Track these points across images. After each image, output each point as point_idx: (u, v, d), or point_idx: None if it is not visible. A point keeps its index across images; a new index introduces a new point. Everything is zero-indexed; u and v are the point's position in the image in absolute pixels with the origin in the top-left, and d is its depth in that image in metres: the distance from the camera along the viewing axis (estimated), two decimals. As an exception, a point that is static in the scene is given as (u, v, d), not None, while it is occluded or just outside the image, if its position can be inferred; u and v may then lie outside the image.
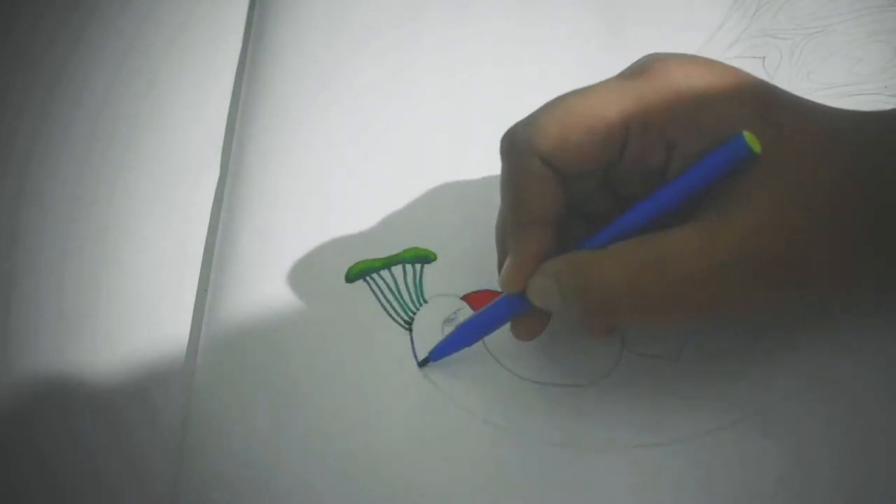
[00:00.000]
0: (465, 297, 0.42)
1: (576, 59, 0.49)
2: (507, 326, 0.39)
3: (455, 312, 0.41)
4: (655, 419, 0.38)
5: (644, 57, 0.37)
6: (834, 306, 0.39)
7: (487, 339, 0.40)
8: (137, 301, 0.43)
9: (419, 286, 0.42)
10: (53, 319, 0.43)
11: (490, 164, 0.44)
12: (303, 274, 0.43)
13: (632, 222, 0.36)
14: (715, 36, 0.49)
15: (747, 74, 0.36)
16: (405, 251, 0.43)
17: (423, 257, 0.43)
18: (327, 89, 0.48)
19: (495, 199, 0.43)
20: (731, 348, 0.39)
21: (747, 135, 0.34)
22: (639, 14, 0.50)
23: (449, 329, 0.41)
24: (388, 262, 0.43)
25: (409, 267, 0.43)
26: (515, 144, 0.37)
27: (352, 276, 0.43)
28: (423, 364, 0.40)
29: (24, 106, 0.49)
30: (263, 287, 0.42)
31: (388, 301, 0.42)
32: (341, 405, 0.39)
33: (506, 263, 0.37)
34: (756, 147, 0.34)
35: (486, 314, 0.39)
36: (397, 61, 0.49)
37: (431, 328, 0.41)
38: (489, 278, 0.41)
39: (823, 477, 0.36)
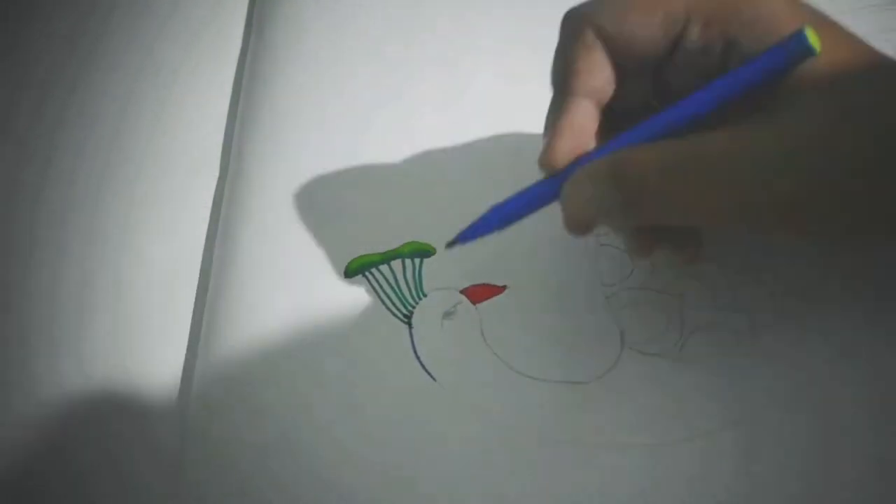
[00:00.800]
0: (464, 291, 0.42)
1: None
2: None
3: (454, 306, 0.41)
4: (655, 417, 0.38)
5: None
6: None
7: (488, 336, 0.40)
8: (138, 301, 0.43)
9: (418, 280, 0.42)
10: (54, 320, 0.43)
11: (489, 159, 0.45)
12: (302, 269, 0.43)
13: (681, 114, 0.34)
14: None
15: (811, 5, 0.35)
16: (404, 245, 0.43)
17: (422, 251, 0.43)
18: (326, 87, 0.49)
19: (495, 194, 0.43)
20: (731, 348, 0.39)
21: (809, 31, 0.33)
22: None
23: (448, 323, 0.41)
24: (387, 257, 0.43)
25: (408, 261, 0.43)
26: (574, 14, 0.36)
27: (351, 271, 0.43)
28: (450, 245, 0.38)
29: (24, 107, 0.49)
30: (263, 284, 0.43)
31: (388, 295, 0.42)
32: (340, 399, 0.39)
33: (545, 139, 0.36)
34: (816, 44, 0.33)
35: (522, 196, 0.37)
36: (396, 58, 0.49)
37: (431, 322, 0.41)
38: (488, 272, 0.42)
39: (821, 480, 0.36)
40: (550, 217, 0.41)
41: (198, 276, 0.44)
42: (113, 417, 0.40)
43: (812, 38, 0.33)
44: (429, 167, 0.45)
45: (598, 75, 0.36)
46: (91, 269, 0.44)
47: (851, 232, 0.35)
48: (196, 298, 0.43)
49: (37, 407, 0.41)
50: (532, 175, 0.43)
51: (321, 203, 0.45)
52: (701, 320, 0.40)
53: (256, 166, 0.46)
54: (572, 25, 0.36)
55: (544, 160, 0.36)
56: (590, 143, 0.36)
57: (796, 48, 0.33)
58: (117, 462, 0.39)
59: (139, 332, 0.42)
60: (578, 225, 0.36)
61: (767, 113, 0.33)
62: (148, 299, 0.43)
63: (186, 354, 0.42)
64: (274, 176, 0.46)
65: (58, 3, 0.53)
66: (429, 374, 0.40)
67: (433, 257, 0.43)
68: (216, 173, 0.47)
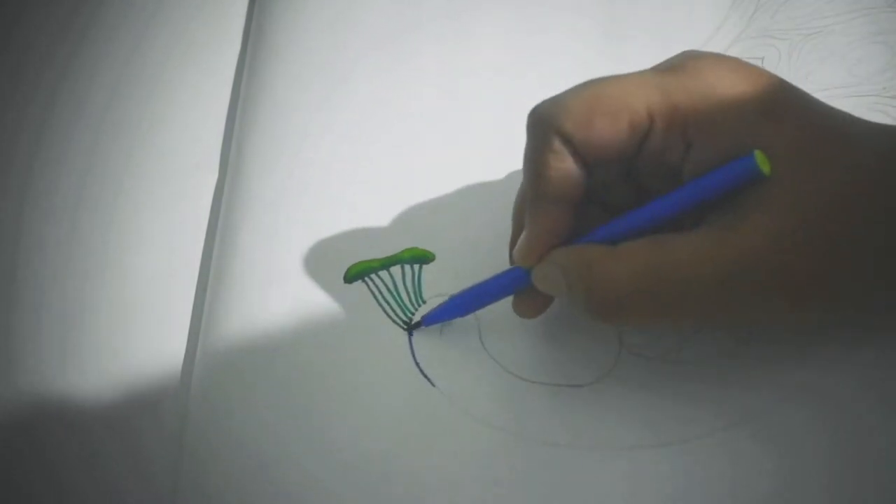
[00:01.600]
0: (463, 297, 0.42)
1: (575, 59, 0.49)
2: (497, 308, 0.40)
3: (454, 312, 0.41)
4: (654, 420, 0.38)
5: (681, 53, 0.37)
6: (836, 323, 0.39)
7: (486, 339, 0.40)
8: (137, 301, 0.43)
9: (418, 286, 0.42)
10: (55, 321, 0.43)
11: (489, 165, 0.45)
12: (301, 274, 0.43)
13: (643, 219, 0.36)
14: (714, 37, 0.49)
15: (772, 78, 0.36)
16: (404, 251, 0.43)
17: (422, 258, 0.43)
18: (326, 90, 0.48)
19: (494, 201, 0.43)
20: (730, 350, 0.39)
21: (758, 154, 0.34)
22: (637, 15, 0.50)
23: (448, 329, 0.41)
24: (387, 263, 0.43)
25: (407, 267, 0.43)
26: (539, 120, 0.37)
27: (350, 276, 0.43)
28: (413, 327, 0.41)
29: (26, 108, 0.49)
30: (262, 287, 0.42)
31: (387, 301, 0.42)
32: (339, 406, 0.39)
33: (521, 237, 0.38)
34: (765, 168, 0.34)
35: (488, 284, 0.39)
36: (396, 62, 0.49)
37: (430, 328, 0.41)
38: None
39: (820, 480, 0.36)
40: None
41: (196, 279, 0.44)
42: (114, 411, 0.40)
43: (762, 162, 0.34)
44: (429, 172, 0.45)
45: (570, 180, 0.36)
46: (92, 268, 0.44)
47: (831, 314, 0.38)
48: (195, 302, 0.43)
49: (40, 397, 0.41)
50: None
51: (321, 207, 0.45)
52: (699, 325, 0.40)
53: (256, 167, 0.46)
54: (539, 130, 0.37)
55: (520, 258, 0.38)
56: (563, 238, 0.37)
57: (746, 174, 0.34)
58: (120, 452, 0.39)
59: (138, 334, 0.42)
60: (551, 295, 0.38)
61: (727, 219, 0.34)
62: (147, 300, 0.43)
63: (185, 356, 0.42)
64: (274, 178, 0.46)
65: (59, 4, 0.52)
66: (428, 379, 0.40)
67: (433, 263, 0.43)
68: (216, 173, 0.47)
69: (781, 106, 0.35)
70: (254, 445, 0.39)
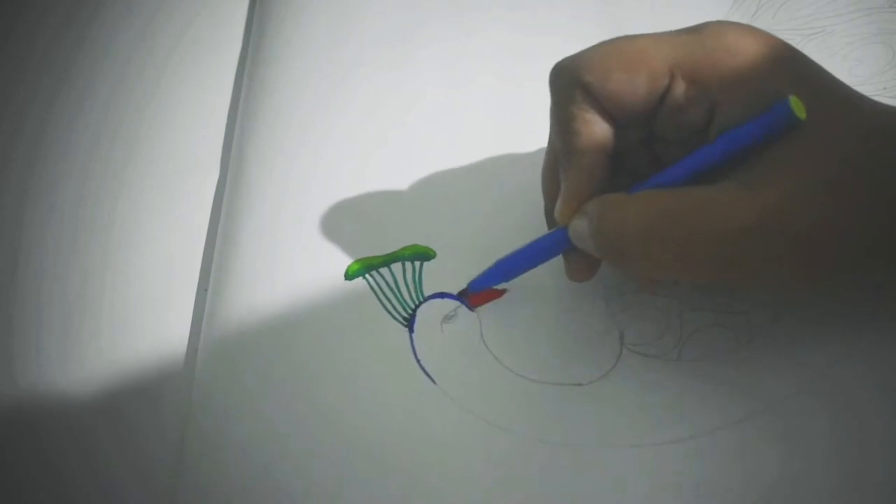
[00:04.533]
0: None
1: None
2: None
3: (454, 310, 0.41)
4: (655, 418, 0.38)
5: (699, 23, 0.37)
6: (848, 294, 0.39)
7: (487, 337, 0.40)
8: (138, 301, 0.43)
9: (418, 283, 0.42)
10: (56, 320, 0.43)
11: (489, 163, 0.45)
12: (302, 271, 0.43)
13: (674, 176, 0.36)
14: (714, 37, 0.49)
15: (787, 45, 0.36)
16: (404, 248, 0.43)
17: (423, 255, 0.43)
18: (327, 88, 0.49)
19: (494, 198, 0.43)
20: (730, 348, 0.39)
21: (793, 100, 0.33)
22: (638, 16, 0.50)
23: (448, 326, 0.41)
24: (388, 260, 0.43)
25: (408, 264, 0.43)
26: (560, 74, 0.37)
27: (351, 273, 0.43)
28: (461, 294, 0.41)
29: (27, 107, 0.50)
30: (263, 285, 0.43)
31: (388, 298, 0.42)
32: (341, 402, 0.39)
33: (560, 194, 0.37)
34: (801, 113, 0.33)
35: (532, 247, 0.39)
36: (397, 61, 0.49)
37: (431, 325, 0.41)
38: (488, 275, 0.42)
39: (822, 477, 0.36)
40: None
41: (198, 277, 0.44)
42: (115, 409, 0.41)
43: (797, 107, 0.33)
44: (430, 170, 0.45)
45: (597, 130, 0.36)
46: (93, 266, 0.44)
47: (845, 283, 0.37)
48: (196, 300, 0.43)
49: (40, 395, 0.41)
50: (532, 177, 0.43)
51: (322, 205, 0.45)
52: (700, 321, 0.40)
53: (257, 167, 0.46)
54: (562, 84, 0.37)
55: (559, 214, 0.37)
56: (598, 192, 0.37)
57: (782, 119, 0.34)
58: (124, 439, 0.40)
59: (139, 335, 0.42)
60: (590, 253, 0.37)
61: (750, 174, 0.34)
62: (148, 298, 0.43)
63: (186, 353, 0.42)
64: (274, 176, 0.46)
65: (61, 5, 0.53)
66: (429, 376, 0.40)
67: (433, 260, 0.43)
68: (216, 173, 0.47)
69: (798, 70, 0.35)
70: (254, 444, 0.39)
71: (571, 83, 0.36)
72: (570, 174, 0.37)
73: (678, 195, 0.35)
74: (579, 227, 0.36)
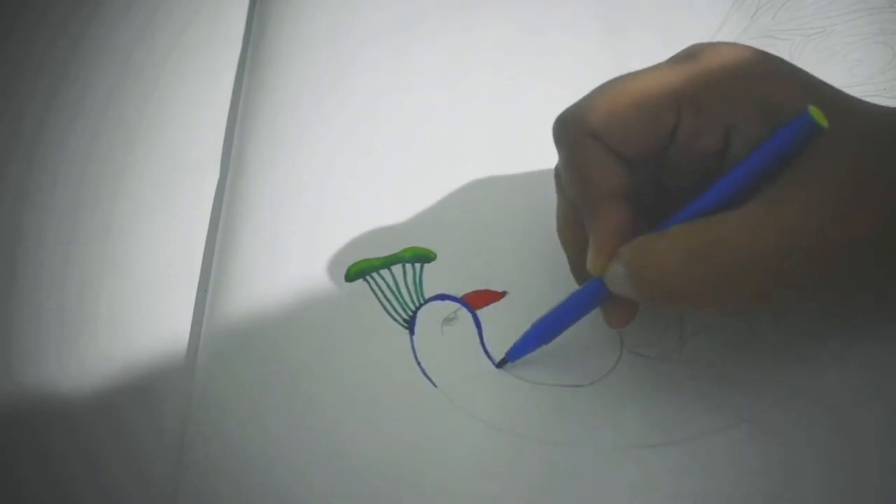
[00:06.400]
0: (464, 297, 0.42)
1: (576, 60, 0.49)
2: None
3: (455, 312, 0.41)
4: (654, 420, 0.38)
5: (690, 46, 0.37)
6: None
7: (488, 342, 0.40)
8: (138, 301, 0.43)
9: (419, 285, 0.42)
10: (55, 320, 0.43)
11: (490, 164, 0.45)
12: (303, 273, 0.43)
13: (705, 205, 0.35)
14: (715, 37, 0.49)
15: (778, 58, 0.36)
16: (405, 250, 0.43)
17: (423, 257, 0.43)
18: (327, 89, 0.49)
19: (495, 199, 0.43)
20: (730, 349, 0.39)
21: (812, 109, 0.33)
22: (638, 16, 0.50)
23: (449, 329, 0.41)
24: (388, 262, 0.43)
25: (408, 266, 0.43)
26: (567, 125, 0.37)
27: (351, 275, 0.43)
28: (500, 365, 0.40)
29: (26, 107, 0.49)
30: (263, 286, 0.43)
31: (388, 300, 0.42)
32: (341, 404, 0.39)
33: (590, 246, 0.37)
34: (822, 121, 0.33)
35: (568, 303, 0.38)
36: (397, 61, 0.49)
37: (431, 327, 0.41)
38: (489, 278, 0.42)
39: (821, 479, 0.36)
40: (550, 221, 0.41)
41: (197, 277, 0.44)
42: (114, 409, 0.41)
43: (817, 116, 0.33)
44: (430, 171, 0.45)
45: (615, 176, 0.36)
46: (93, 266, 0.44)
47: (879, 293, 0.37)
48: (196, 300, 0.43)
49: (39, 395, 0.41)
50: (532, 177, 0.43)
51: (322, 205, 0.45)
52: (700, 322, 0.40)
53: (257, 167, 0.46)
54: (569, 135, 0.36)
55: (592, 266, 0.37)
56: (628, 236, 0.36)
57: (805, 130, 0.33)
58: (124, 439, 0.40)
59: (139, 335, 0.42)
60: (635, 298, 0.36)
61: (773, 192, 0.34)
62: (148, 299, 0.43)
63: (186, 355, 0.42)
64: (274, 177, 0.46)
65: (60, 5, 0.52)
66: (429, 379, 0.40)
67: (434, 262, 0.43)
68: (216, 173, 0.47)
69: (799, 81, 0.35)
70: (254, 445, 0.39)
71: (580, 133, 0.36)
72: (597, 224, 0.36)
73: (708, 227, 0.34)
74: (616, 274, 0.36)
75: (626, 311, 0.38)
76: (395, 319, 0.41)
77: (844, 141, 0.34)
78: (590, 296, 0.38)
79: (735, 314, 0.40)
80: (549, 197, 0.40)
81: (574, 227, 0.38)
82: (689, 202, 0.35)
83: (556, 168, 0.39)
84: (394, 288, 0.42)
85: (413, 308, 0.42)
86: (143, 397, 0.41)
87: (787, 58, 0.37)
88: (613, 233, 0.36)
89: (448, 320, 0.41)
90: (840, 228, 0.33)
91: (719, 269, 0.34)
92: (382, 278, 0.42)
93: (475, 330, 0.41)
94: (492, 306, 0.41)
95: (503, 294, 0.41)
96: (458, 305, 0.41)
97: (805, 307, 0.39)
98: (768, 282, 0.34)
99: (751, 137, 0.35)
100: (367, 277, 0.42)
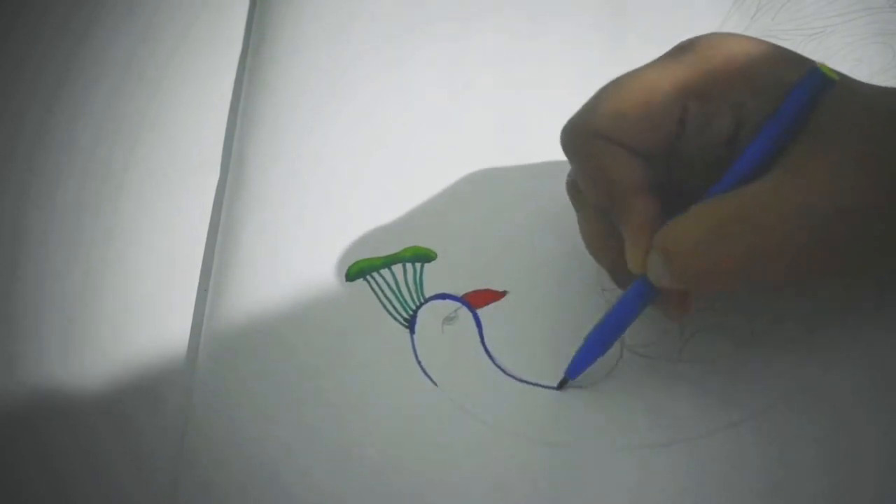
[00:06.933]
0: (464, 296, 0.42)
1: (576, 61, 0.49)
2: None
3: (455, 311, 0.41)
4: (655, 420, 0.38)
5: (681, 41, 0.37)
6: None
7: (487, 339, 0.40)
8: (138, 301, 0.43)
9: (419, 285, 0.42)
10: (57, 319, 0.43)
11: (490, 164, 0.45)
12: (303, 273, 0.43)
13: (731, 180, 0.35)
14: (714, 37, 0.49)
15: (772, 43, 0.36)
16: (405, 250, 0.43)
17: (424, 256, 0.43)
18: (327, 90, 0.48)
19: (495, 199, 0.43)
20: (730, 350, 0.39)
21: (821, 64, 0.33)
22: (639, 15, 0.50)
23: (449, 328, 0.41)
24: (389, 261, 0.43)
25: (409, 266, 0.43)
26: (575, 132, 0.37)
27: (352, 274, 0.43)
28: (561, 386, 0.39)
29: (27, 107, 0.49)
30: (264, 286, 0.43)
31: (389, 300, 0.42)
32: (341, 403, 0.39)
33: (626, 246, 0.36)
34: (832, 74, 0.33)
35: (619, 308, 0.38)
36: (397, 61, 0.49)
37: (431, 326, 0.41)
38: (489, 277, 0.42)
39: (821, 479, 0.36)
40: (551, 221, 0.41)
41: (198, 277, 0.44)
42: (116, 408, 0.41)
43: (827, 70, 0.33)
44: (431, 171, 0.45)
45: (634, 170, 0.36)
46: (94, 266, 0.44)
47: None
48: (196, 300, 0.43)
49: (41, 393, 0.41)
50: (532, 176, 0.43)
51: (322, 205, 0.45)
52: (700, 323, 0.40)
53: (257, 167, 0.46)
54: (580, 141, 0.36)
55: (633, 265, 0.36)
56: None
57: (815, 83, 0.34)
58: (125, 438, 0.40)
59: (139, 335, 0.42)
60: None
61: (793, 157, 0.34)
62: (149, 299, 0.43)
63: (187, 354, 0.42)
64: (274, 178, 0.46)
65: (60, 5, 0.53)
66: (429, 378, 0.40)
67: (434, 262, 0.43)
68: (216, 174, 0.47)
69: (801, 57, 0.36)
70: (255, 444, 0.39)
71: (589, 136, 0.36)
72: (629, 221, 0.36)
73: (733, 199, 0.34)
74: (655, 265, 0.36)
75: (680, 302, 0.37)
76: (396, 319, 0.41)
77: (849, 112, 0.34)
78: (638, 296, 0.37)
79: (764, 289, 0.39)
80: (549, 196, 0.40)
81: (603, 237, 0.38)
82: (710, 187, 0.35)
83: (569, 182, 0.39)
84: (394, 287, 0.42)
85: (413, 307, 0.42)
86: (145, 395, 0.41)
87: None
88: (647, 225, 0.36)
89: (448, 319, 0.41)
90: (867, 190, 0.33)
91: (748, 239, 0.33)
92: (383, 278, 0.42)
93: (475, 329, 0.41)
94: (492, 305, 0.41)
95: (503, 293, 0.41)
96: (458, 305, 0.41)
97: (829, 278, 0.38)
98: (798, 246, 0.34)
99: (761, 113, 0.35)
100: (368, 277, 0.42)
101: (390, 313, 0.41)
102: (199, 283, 0.44)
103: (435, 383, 0.40)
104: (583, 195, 0.38)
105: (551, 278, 0.41)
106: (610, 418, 0.38)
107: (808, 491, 0.36)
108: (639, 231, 0.36)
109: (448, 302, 0.41)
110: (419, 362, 0.40)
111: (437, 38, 0.50)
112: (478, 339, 0.41)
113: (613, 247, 0.37)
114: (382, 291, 0.42)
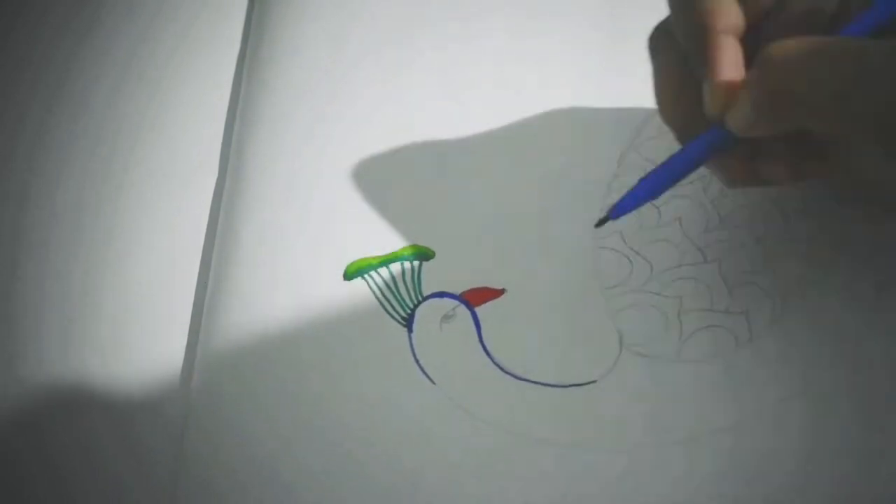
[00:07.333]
0: (463, 294, 0.42)
1: (577, 61, 0.48)
2: None
3: (453, 309, 0.41)
4: (654, 420, 0.38)
5: None
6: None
7: (487, 339, 0.40)
8: (138, 301, 0.43)
9: (417, 283, 0.42)
10: (57, 319, 0.43)
11: (490, 162, 0.45)
12: (301, 271, 0.43)
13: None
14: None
15: None
16: (403, 249, 0.43)
17: (422, 255, 0.43)
18: (326, 90, 0.48)
19: (495, 198, 0.43)
20: (730, 349, 0.39)
21: None
22: (639, 15, 0.50)
23: (447, 326, 0.41)
24: (387, 260, 0.43)
25: (407, 264, 0.43)
26: None
27: (350, 274, 0.43)
28: (599, 224, 0.37)
29: (26, 107, 0.49)
30: (262, 286, 0.43)
31: (387, 298, 0.42)
32: (339, 402, 0.39)
33: (710, 86, 0.35)
34: None
35: (683, 154, 0.36)
36: (397, 62, 0.49)
37: (429, 325, 0.41)
38: (487, 275, 0.42)
39: (821, 479, 0.36)
40: (551, 220, 0.41)
41: (196, 277, 0.44)
42: (115, 409, 0.41)
43: None
44: (429, 170, 0.45)
45: (731, 11, 0.35)
46: (93, 267, 0.44)
47: None
48: (195, 300, 0.43)
49: (41, 395, 0.41)
50: (532, 175, 0.43)
51: (321, 205, 0.45)
52: (699, 322, 0.40)
53: (256, 167, 0.46)
54: None
55: (715, 103, 0.35)
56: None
57: None
58: (125, 439, 0.40)
59: (138, 334, 0.42)
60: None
61: None
62: (148, 299, 0.43)
63: (186, 354, 0.42)
64: (274, 176, 0.46)
65: (60, 6, 0.53)
66: (427, 376, 0.40)
67: (432, 260, 0.43)
68: (216, 173, 0.47)
69: None
70: (254, 444, 0.39)
71: None
72: (719, 56, 0.35)
73: (836, 39, 0.33)
74: (741, 104, 0.34)
75: (743, 167, 0.36)
76: (394, 317, 0.41)
77: None
78: (706, 143, 0.36)
79: (832, 149, 0.37)
80: (549, 196, 0.40)
81: (678, 95, 0.37)
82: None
83: (653, 35, 0.38)
84: (392, 286, 0.42)
85: (411, 306, 0.42)
86: (145, 395, 0.41)
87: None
88: (735, 65, 0.35)
89: (447, 318, 0.41)
90: None
91: (850, 76, 0.32)
92: (381, 276, 0.42)
93: (474, 327, 0.41)
94: (490, 303, 0.41)
95: (502, 291, 0.41)
96: (456, 303, 0.41)
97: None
98: (881, 105, 0.32)
99: None
100: (366, 276, 0.42)
101: (388, 312, 0.41)
102: (199, 283, 0.44)
103: (433, 381, 0.40)
104: (665, 45, 0.37)
105: (549, 275, 0.41)
106: (608, 417, 0.38)
107: (810, 489, 0.36)
108: (726, 69, 0.35)
109: (446, 300, 0.41)
110: (417, 361, 0.40)
111: (437, 38, 0.50)
112: (476, 337, 0.41)
113: (686, 104, 0.36)
114: (380, 290, 0.42)
